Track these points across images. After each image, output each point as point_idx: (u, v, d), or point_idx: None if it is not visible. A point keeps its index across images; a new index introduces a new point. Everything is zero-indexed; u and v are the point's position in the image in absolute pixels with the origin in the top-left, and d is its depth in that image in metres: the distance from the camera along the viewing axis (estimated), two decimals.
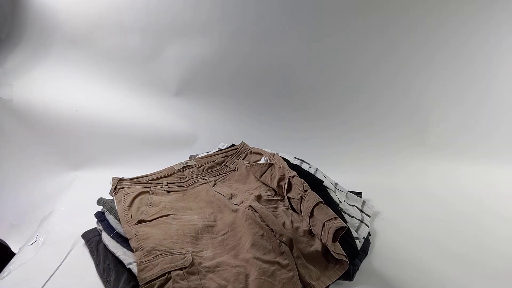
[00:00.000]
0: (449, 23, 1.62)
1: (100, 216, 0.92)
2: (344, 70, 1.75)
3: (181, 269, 0.71)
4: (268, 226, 0.84)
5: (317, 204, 0.85)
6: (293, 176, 0.99)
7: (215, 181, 1.09)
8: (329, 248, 0.79)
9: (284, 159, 1.17)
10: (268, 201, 0.99)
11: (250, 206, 0.91)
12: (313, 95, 1.78)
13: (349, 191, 1.20)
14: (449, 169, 1.56)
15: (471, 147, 1.66)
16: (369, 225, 1.04)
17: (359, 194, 1.22)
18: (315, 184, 1.05)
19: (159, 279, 0.69)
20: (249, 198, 0.96)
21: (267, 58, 1.74)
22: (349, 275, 0.82)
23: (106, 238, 0.86)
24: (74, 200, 1.19)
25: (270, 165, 1.08)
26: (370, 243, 0.99)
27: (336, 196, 1.08)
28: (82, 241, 0.93)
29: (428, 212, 1.22)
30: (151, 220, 0.86)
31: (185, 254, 0.76)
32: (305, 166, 1.18)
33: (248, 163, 1.15)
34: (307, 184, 0.95)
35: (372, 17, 1.65)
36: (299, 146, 1.59)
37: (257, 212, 0.88)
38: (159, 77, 1.71)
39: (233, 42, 1.72)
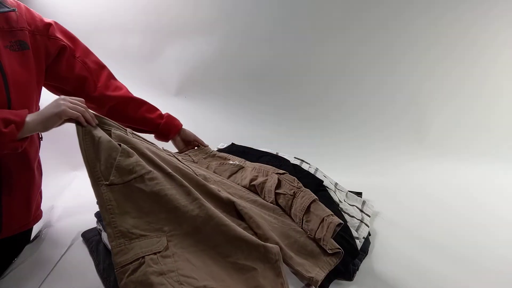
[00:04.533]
0: (442, 20, 1.63)
1: (100, 216, 0.92)
2: (346, 73, 1.76)
3: (155, 253, 0.70)
4: (252, 229, 0.81)
5: (314, 201, 0.85)
6: (283, 173, 0.99)
7: (193, 159, 1.05)
8: (321, 244, 0.80)
9: (284, 159, 1.17)
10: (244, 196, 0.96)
11: (234, 203, 0.85)
12: (314, 96, 1.78)
13: (349, 191, 1.20)
14: (449, 169, 1.56)
15: (469, 148, 1.67)
16: (369, 225, 1.04)
17: (359, 194, 1.22)
18: (315, 184, 1.05)
19: (132, 263, 0.67)
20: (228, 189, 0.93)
21: (268, 59, 1.75)
22: (349, 275, 0.82)
23: (106, 237, 0.86)
24: (74, 200, 1.19)
25: (241, 167, 1.08)
26: (370, 243, 0.99)
27: (336, 196, 1.08)
28: (81, 239, 0.93)
29: (428, 212, 1.22)
30: (123, 183, 0.75)
31: (160, 237, 0.73)
32: (305, 166, 1.18)
33: (217, 162, 1.12)
34: (300, 182, 0.96)
35: (370, 19, 1.65)
36: (299, 146, 1.60)
37: (238, 211, 0.84)
38: (159, 77, 1.71)
39: (233, 43, 1.72)
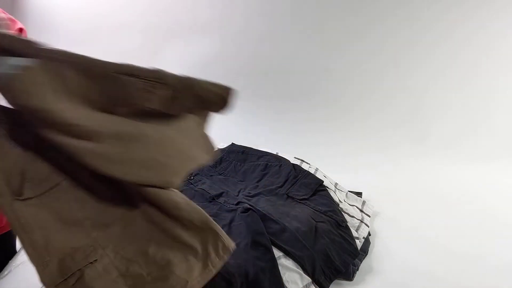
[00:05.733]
0: (447, 19, 1.63)
1: None
2: (345, 72, 1.76)
3: (91, 262, 0.63)
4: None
5: None
6: None
7: None
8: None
9: (284, 159, 1.18)
10: None
11: None
12: (314, 96, 1.78)
13: (349, 191, 1.19)
14: (449, 170, 1.56)
15: (471, 148, 1.66)
16: (369, 225, 1.04)
17: (359, 194, 1.22)
18: (315, 183, 1.06)
19: (68, 280, 0.60)
20: None
21: (268, 59, 1.75)
22: (349, 275, 0.82)
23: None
24: None
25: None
26: (370, 243, 0.99)
27: (336, 196, 1.08)
28: None
29: (428, 212, 1.21)
30: (39, 195, 0.64)
31: (92, 245, 0.65)
32: (305, 166, 1.18)
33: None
34: None
35: (372, 18, 1.65)
36: (299, 146, 1.59)
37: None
38: None
39: (234, 43, 1.72)
